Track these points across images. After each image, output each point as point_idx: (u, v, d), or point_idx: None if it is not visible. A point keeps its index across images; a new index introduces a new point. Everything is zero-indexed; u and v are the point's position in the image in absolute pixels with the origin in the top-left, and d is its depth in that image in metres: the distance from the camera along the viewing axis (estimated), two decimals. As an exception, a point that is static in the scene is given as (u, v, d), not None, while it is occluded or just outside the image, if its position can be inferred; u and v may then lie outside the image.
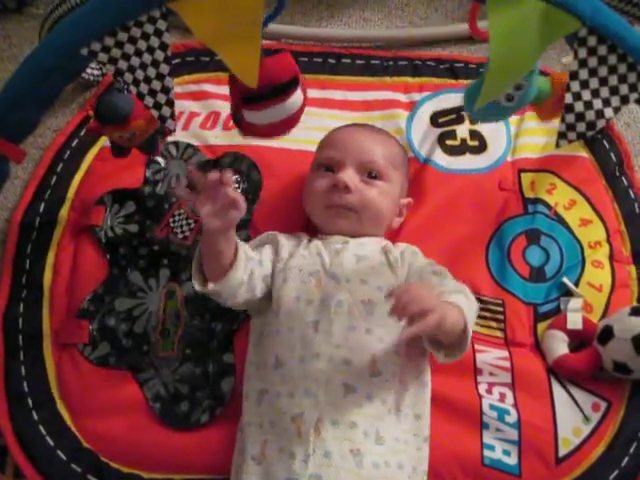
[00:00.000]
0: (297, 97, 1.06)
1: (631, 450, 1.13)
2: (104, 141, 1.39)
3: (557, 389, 1.17)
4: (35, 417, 1.15)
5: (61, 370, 1.19)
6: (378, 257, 1.15)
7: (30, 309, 1.24)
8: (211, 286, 1.05)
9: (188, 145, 1.38)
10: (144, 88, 0.91)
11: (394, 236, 1.26)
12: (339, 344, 1.05)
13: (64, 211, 1.33)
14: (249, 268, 1.08)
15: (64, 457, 1.12)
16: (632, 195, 1.37)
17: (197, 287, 1.06)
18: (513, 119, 1.42)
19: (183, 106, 1.43)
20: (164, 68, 0.90)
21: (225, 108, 1.37)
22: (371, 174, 1.19)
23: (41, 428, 1.14)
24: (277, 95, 1.02)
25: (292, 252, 1.16)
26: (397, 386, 1.05)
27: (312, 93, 1.46)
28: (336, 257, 1.14)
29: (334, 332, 1.05)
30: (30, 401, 1.16)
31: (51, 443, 1.13)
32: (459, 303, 1.00)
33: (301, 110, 1.10)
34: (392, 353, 1.06)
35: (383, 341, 1.06)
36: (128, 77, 0.90)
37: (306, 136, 1.32)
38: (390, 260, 1.14)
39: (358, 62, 1.52)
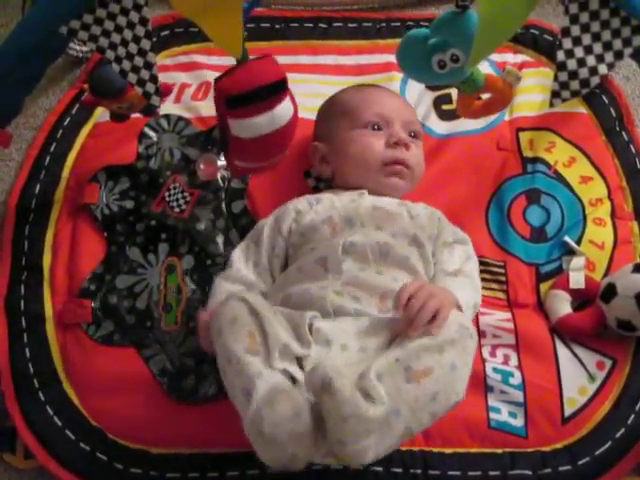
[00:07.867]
0: (286, 107, 1.01)
1: (637, 407, 1.13)
2: (97, 118, 1.37)
3: (561, 349, 1.16)
4: (42, 398, 1.15)
5: (66, 350, 1.18)
6: (396, 208, 1.15)
7: (31, 291, 1.23)
8: None
9: (179, 118, 1.36)
10: (127, 65, 0.90)
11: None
12: (348, 281, 1.03)
13: (60, 191, 1.31)
14: None
15: (72, 436, 1.12)
16: (633, 150, 1.35)
17: None
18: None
19: (174, 78, 1.41)
20: (145, 43, 0.88)
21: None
22: (411, 133, 1.20)
23: (48, 409, 1.14)
24: (264, 98, 0.97)
25: (304, 210, 1.16)
26: None
27: (304, 59, 1.45)
28: (351, 204, 1.14)
29: (343, 271, 1.04)
30: (36, 382, 1.16)
31: (59, 423, 1.13)
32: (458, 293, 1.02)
33: (292, 126, 1.05)
34: None
35: (397, 280, 1.04)
36: (110, 54, 0.89)
37: (299, 103, 1.30)
38: (411, 212, 1.15)
39: (350, 25, 1.49)
